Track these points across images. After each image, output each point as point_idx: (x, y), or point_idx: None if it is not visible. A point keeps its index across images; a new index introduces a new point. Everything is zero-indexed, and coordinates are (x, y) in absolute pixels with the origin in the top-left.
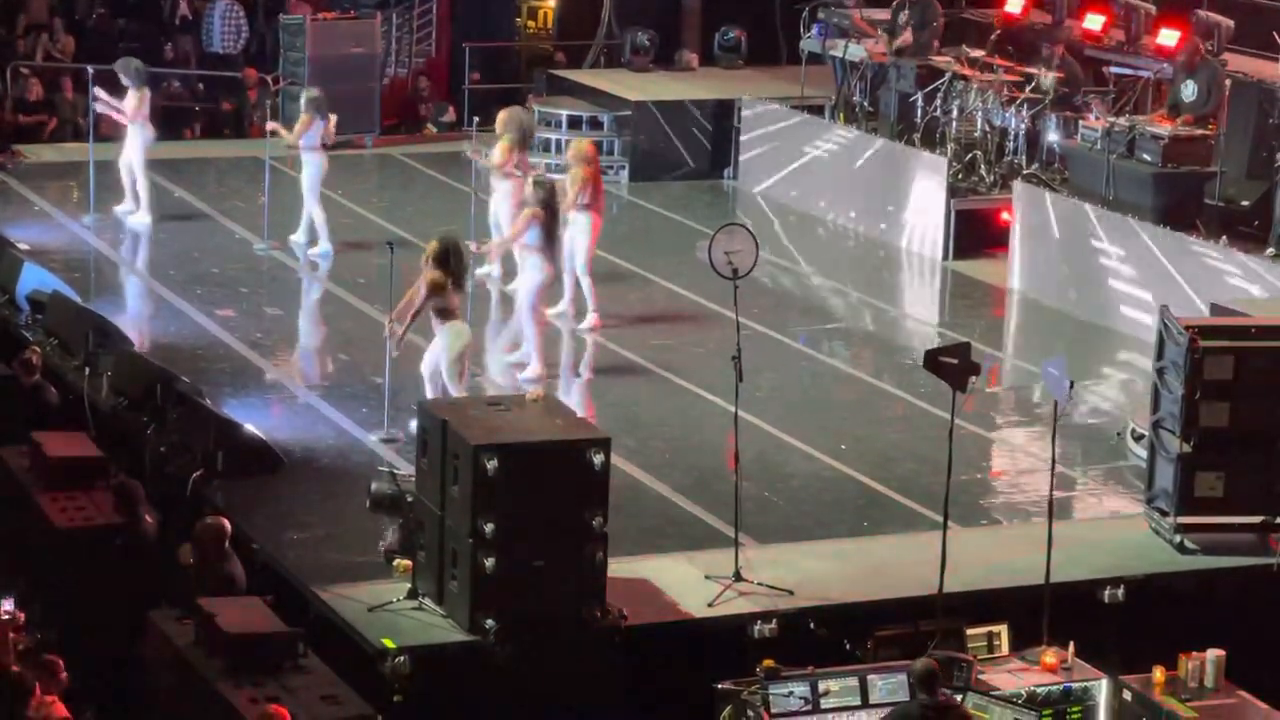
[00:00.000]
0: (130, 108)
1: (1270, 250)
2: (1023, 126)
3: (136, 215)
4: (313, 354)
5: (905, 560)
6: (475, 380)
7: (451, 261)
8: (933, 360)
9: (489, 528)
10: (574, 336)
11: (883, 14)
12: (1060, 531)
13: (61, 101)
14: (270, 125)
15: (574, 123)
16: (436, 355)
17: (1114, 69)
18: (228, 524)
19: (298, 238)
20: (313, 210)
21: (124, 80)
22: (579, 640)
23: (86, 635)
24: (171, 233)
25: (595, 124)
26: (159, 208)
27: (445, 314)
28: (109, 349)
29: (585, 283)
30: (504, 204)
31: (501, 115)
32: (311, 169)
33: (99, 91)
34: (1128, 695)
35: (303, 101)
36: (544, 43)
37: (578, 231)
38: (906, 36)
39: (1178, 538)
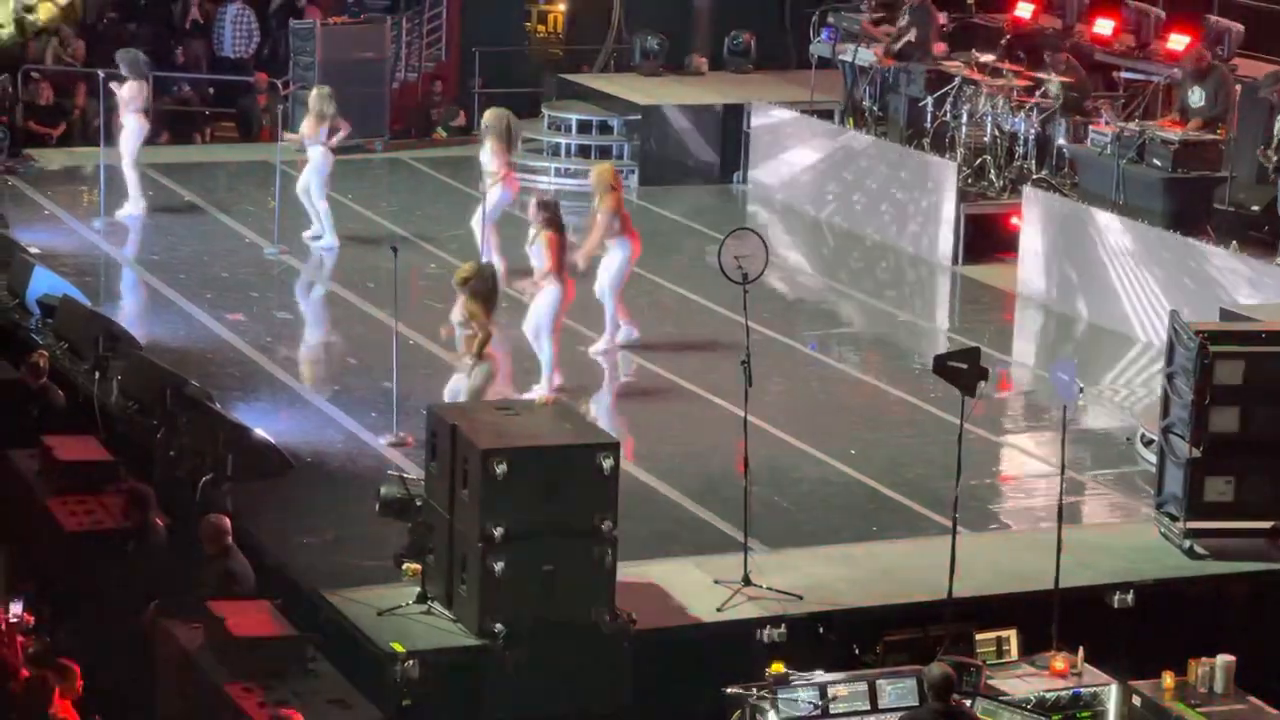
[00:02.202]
0: (126, 98)
1: None
2: (1032, 131)
3: (125, 207)
4: (322, 358)
5: (914, 565)
6: None
7: (493, 294)
8: (942, 365)
9: (498, 532)
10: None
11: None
12: (1070, 536)
13: (73, 106)
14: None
15: (583, 127)
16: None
17: (1124, 74)
18: (227, 521)
19: (313, 233)
20: (319, 204)
21: (123, 70)
22: (588, 644)
23: (95, 639)
24: (181, 236)
25: (605, 128)
26: (169, 209)
27: (481, 350)
28: (119, 353)
29: (610, 307)
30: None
31: (488, 116)
32: (322, 164)
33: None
34: (1137, 701)
35: (323, 98)
36: (553, 47)
37: (620, 258)
38: (906, 32)
39: (1187, 543)
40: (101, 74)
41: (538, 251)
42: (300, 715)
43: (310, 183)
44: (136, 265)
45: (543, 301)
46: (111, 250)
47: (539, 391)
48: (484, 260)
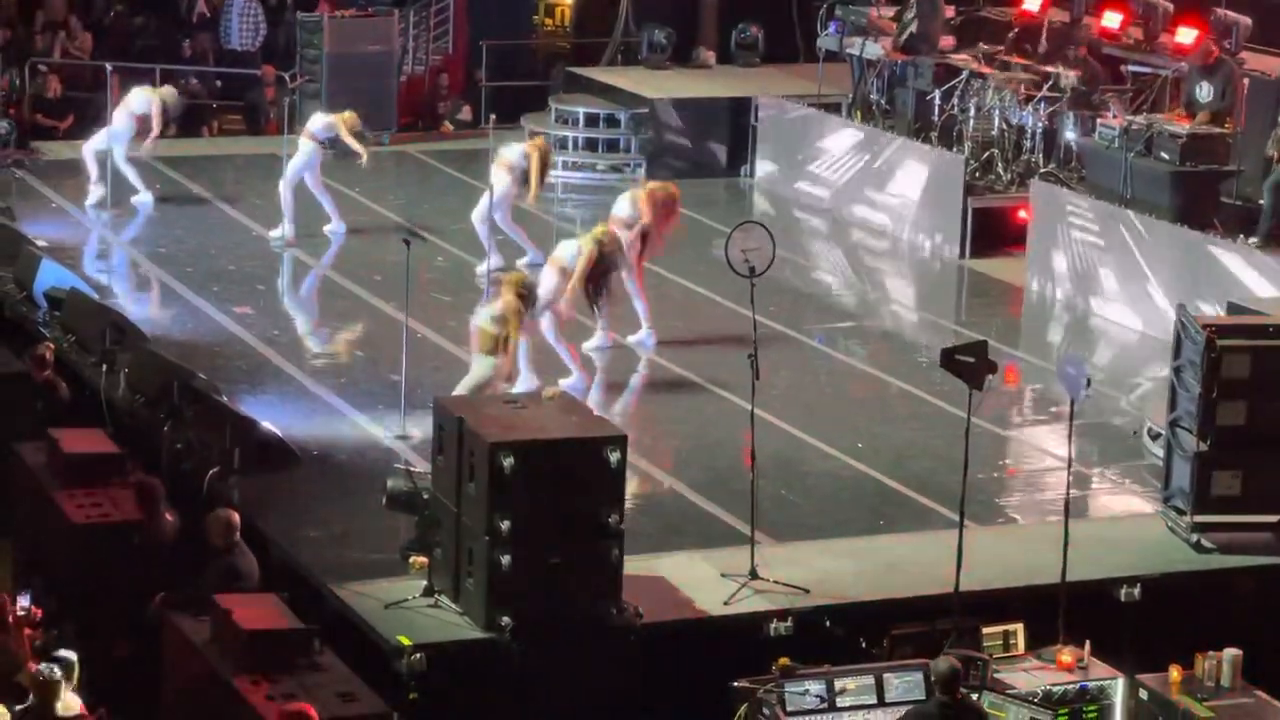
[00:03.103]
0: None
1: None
2: (1040, 125)
3: (139, 195)
4: (329, 351)
5: (921, 559)
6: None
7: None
8: (949, 358)
9: (505, 525)
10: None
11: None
12: (1077, 530)
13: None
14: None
15: (591, 120)
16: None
17: (1132, 67)
18: (236, 516)
19: (333, 227)
20: (286, 194)
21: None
22: (595, 638)
23: (103, 632)
24: (189, 229)
25: (612, 122)
26: (176, 202)
27: (496, 347)
28: (126, 346)
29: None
30: (501, 202)
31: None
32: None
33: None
34: (1144, 694)
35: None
36: (561, 40)
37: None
38: (910, 24)
39: (1194, 536)
40: (109, 66)
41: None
42: (311, 708)
43: (298, 174)
44: (143, 257)
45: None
46: (118, 243)
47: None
48: (488, 254)
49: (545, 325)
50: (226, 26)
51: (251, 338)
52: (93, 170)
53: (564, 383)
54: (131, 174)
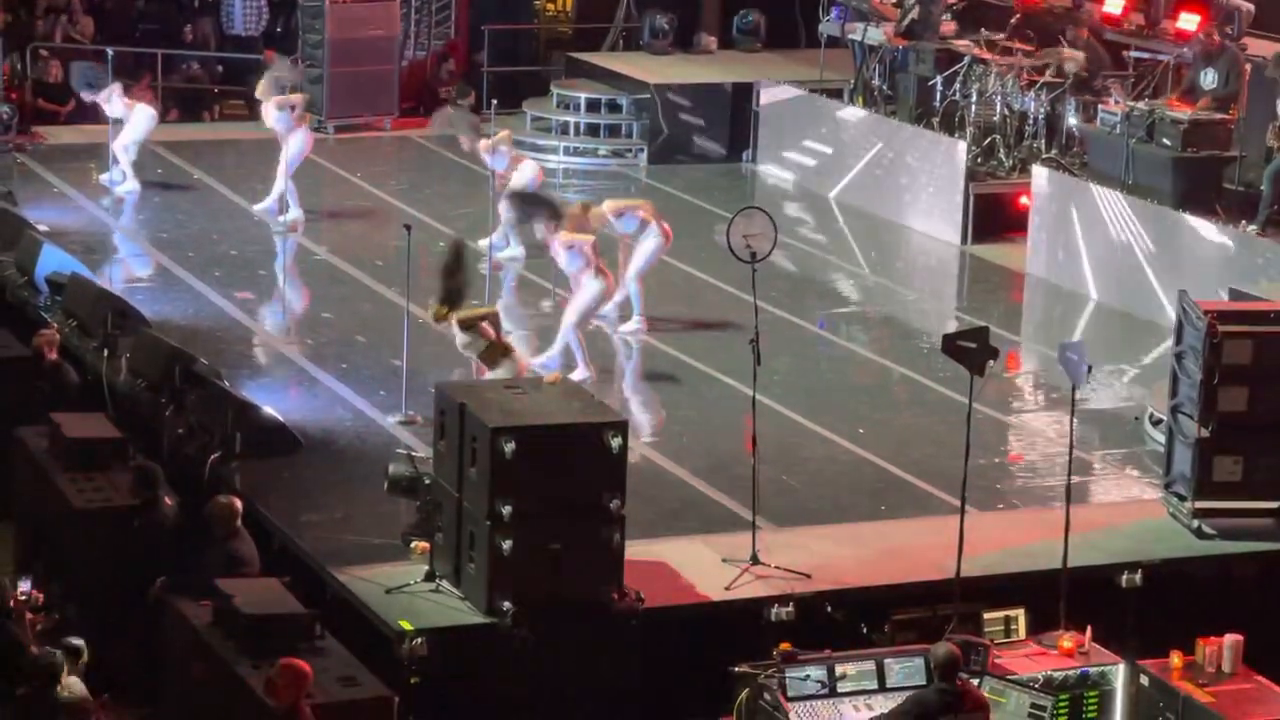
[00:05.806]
0: (118, 105)
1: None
2: (1042, 110)
3: (126, 184)
4: (331, 336)
5: (922, 544)
6: None
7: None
8: (951, 344)
9: (506, 510)
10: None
11: None
12: (1078, 516)
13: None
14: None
15: (592, 106)
16: None
17: (1133, 53)
18: (239, 503)
19: (266, 205)
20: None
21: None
22: (596, 623)
23: (104, 616)
24: (190, 214)
25: (614, 107)
26: (178, 187)
27: (494, 357)
28: (127, 330)
29: (634, 289)
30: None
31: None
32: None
33: None
34: (1145, 680)
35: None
36: (562, 25)
37: (650, 247)
38: (911, 9)
39: (1195, 522)
40: (109, 51)
41: (573, 257)
42: (304, 663)
43: (299, 158)
44: (145, 242)
45: (581, 298)
46: (120, 228)
47: (576, 376)
48: (492, 241)
49: (586, 305)
50: (229, 12)
51: (253, 322)
52: (128, 157)
53: (572, 377)
54: (125, 160)
